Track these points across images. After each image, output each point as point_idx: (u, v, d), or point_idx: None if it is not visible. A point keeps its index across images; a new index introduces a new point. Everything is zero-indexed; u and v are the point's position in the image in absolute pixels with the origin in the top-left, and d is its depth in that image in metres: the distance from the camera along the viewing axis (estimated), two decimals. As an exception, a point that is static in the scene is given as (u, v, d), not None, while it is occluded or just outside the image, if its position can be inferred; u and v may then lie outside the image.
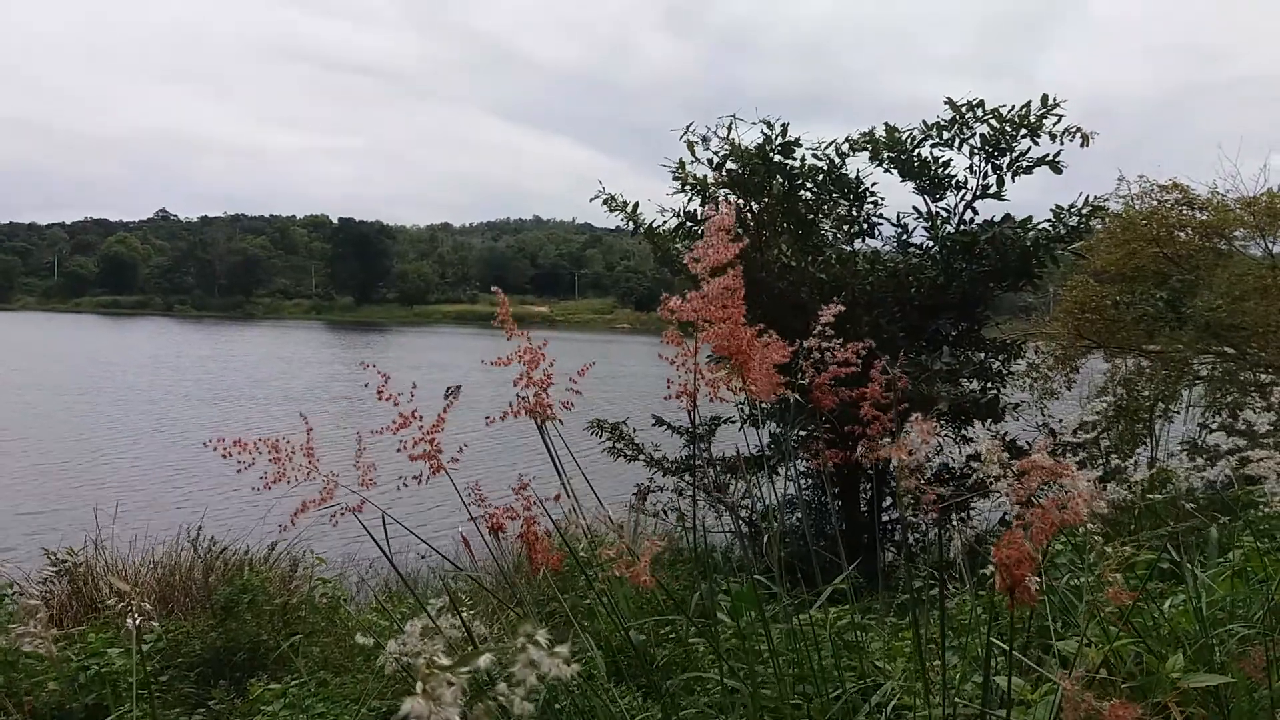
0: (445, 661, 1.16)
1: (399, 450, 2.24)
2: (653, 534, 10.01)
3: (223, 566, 7.46)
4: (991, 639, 2.06)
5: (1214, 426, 9.99)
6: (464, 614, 2.15)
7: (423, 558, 9.53)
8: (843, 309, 3.06)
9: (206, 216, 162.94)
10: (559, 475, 2.64)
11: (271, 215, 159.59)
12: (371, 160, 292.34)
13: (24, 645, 1.50)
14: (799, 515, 8.56)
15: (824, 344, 3.01)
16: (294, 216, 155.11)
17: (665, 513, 9.89)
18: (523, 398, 2.50)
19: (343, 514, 2.20)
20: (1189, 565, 2.77)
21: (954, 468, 8.84)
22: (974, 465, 2.48)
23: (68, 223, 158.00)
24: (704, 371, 2.53)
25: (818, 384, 3.05)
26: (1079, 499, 1.70)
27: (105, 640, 4.66)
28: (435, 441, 2.26)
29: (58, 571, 7.26)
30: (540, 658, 1.18)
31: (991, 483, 2.43)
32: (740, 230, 8.58)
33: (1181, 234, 10.68)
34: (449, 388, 2.51)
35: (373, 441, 2.37)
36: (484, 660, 1.19)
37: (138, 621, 2.33)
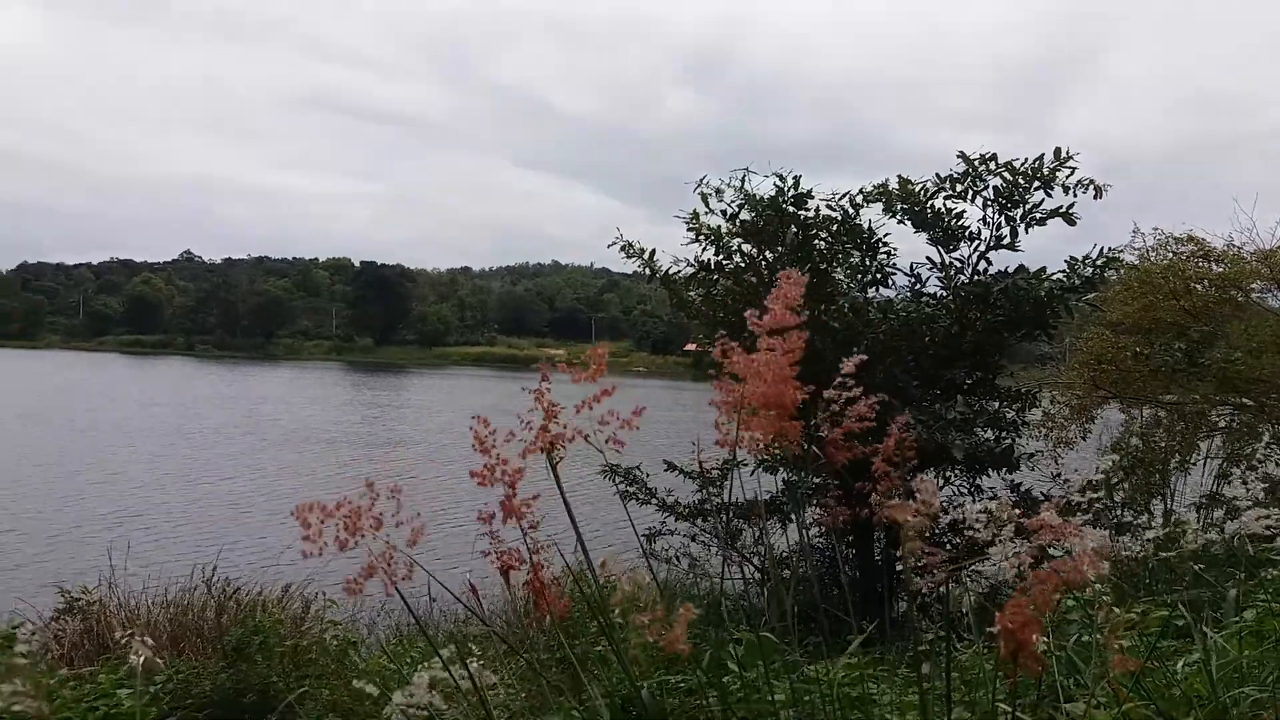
0: None
1: (485, 484, 2.28)
2: (664, 579, 9.95)
3: (235, 607, 7.46)
4: (998, 702, 2.05)
5: (1237, 477, 9.88)
6: (472, 664, 2.16)
7: (433, 600, 9.52)
8: (864, 358, 3.05)
9: (230, 258, 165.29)
10: (572, 522, 2.65)
11: (294, 258, 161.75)
12: (394, 205, 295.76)
13: (14, 706, 1.48)
14: (807, 564, 8.50)
15: (845, 394, 2.99)
16: (316, 259, 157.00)
17: (677, 558, 9.84)
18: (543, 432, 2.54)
19: (396, 583, 2.20)
20: (1200, 625, 2.74)
21: (965, 520, 8.80)
22: (979, 521, 2.48)
23: (94, 263, 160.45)
24: (749, 425, 2.56)
25: (831, 439, 3.04)
26: (1080, 560, 1.70)
27: (115, 681, 4.67)
28: (515, 485, 2.30)
29: (70, 609, 7.28)
30: None
31: (1000, 542, 2.43)
32: (754, 279, 8.69)
33: (1198, 286, 10.66)
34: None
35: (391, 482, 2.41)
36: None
37: (143, 659, 2.35)
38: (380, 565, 2.18)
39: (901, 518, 1.85)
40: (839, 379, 3.00)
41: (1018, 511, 2.29)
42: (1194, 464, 11.03)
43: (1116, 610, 2.16)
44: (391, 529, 2.31)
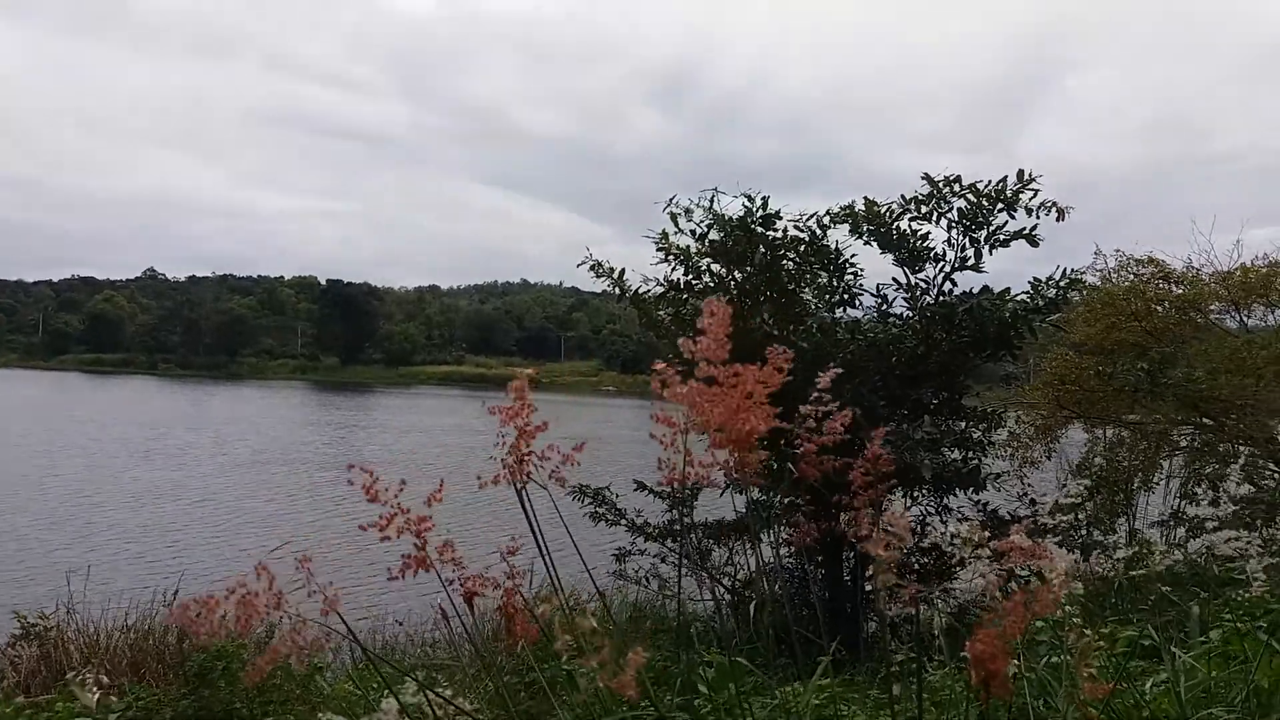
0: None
1: (384, 539, 2.20)
2: (633, 600, 9.92)
3: (197, 632, 7.31)
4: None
5: (1200, 497, 10.02)
6: (443, 691, 2.13)
7: (399, 624, 9.40)
8: (840, 371, 3.05)
9: (195, 276, 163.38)
10: (539, 544, 2.63)
11: (259, 276, 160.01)
12: (361, 224, 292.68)
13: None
14: (777, 584, 8.51)
15: (820, 409, 3.00)
16: (282, 277, 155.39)
17: (647, 580, 9.81)
18: (512, 459, 2.49)
19: (307, 654, 2.13)
20: (1169, 646, 2.77)
21: (935, 539, 8.86)
22: (955, 543, 2.50)
23: (54, 280, 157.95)
24: (695, 457, 2.52)
25: (805, 453, 3.05)
26: (1048, 590, 1.71)
27: (72, 710, 4.55)
28: (423, 534, 2.23)
29: (26, 636, 7.10)
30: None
31: (971, 562, 2.45)
32: (723, 298, 8.72)
33: (1159, 308, 10.87)
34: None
35: (363, 505, 2.35)
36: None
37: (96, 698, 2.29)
38: (285, 644, 2.12)
39: (875, 552, 1.85)
40: (815, 394, 3.01)
41: (987, 534, 2.30)
42: (1157, 483, 11.18)
43: (1087, 633, 2.18)
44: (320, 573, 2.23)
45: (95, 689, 2.35)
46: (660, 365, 2.45)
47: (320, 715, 2.20)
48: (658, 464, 2.63)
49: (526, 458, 2.54)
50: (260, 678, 1.99)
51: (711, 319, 2.40)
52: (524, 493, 2.57)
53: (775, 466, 7.08)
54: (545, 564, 2.57)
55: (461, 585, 2.50)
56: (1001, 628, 1.76)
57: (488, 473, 2.52)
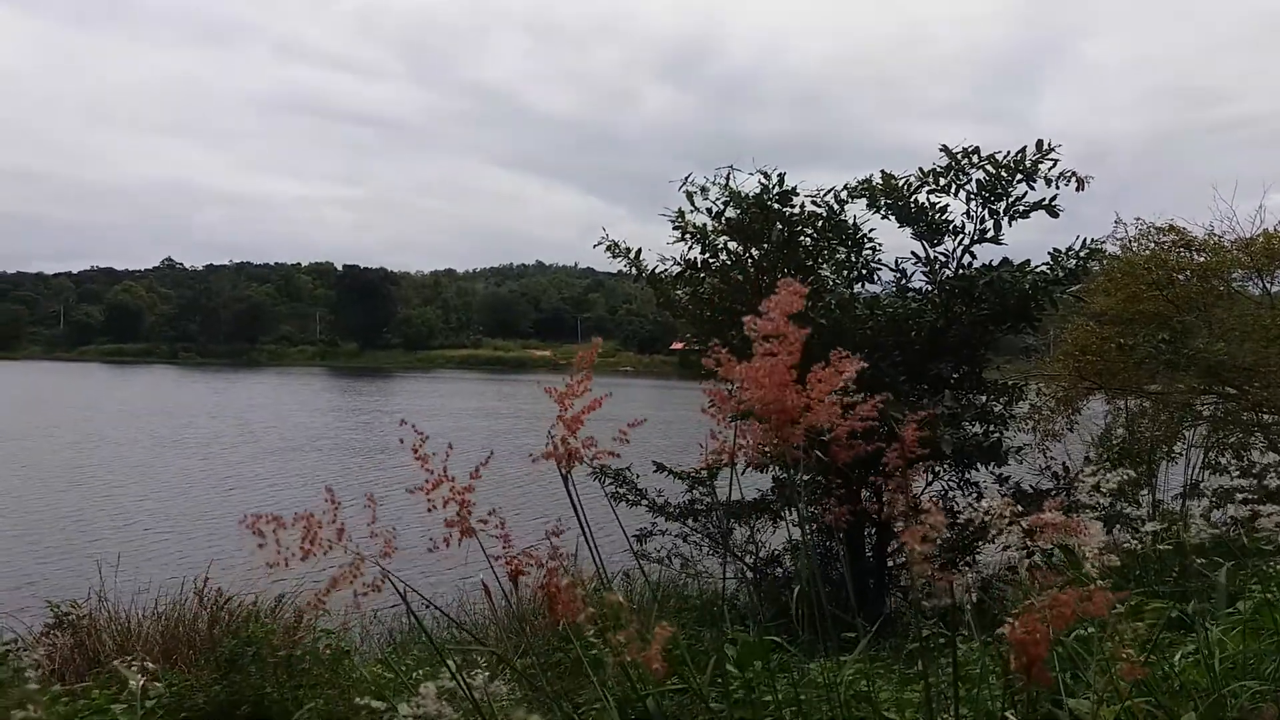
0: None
1: (430, 510, 2.21)
2: (656, 579, 9.96)
3: (228, 618, 7.41)
4: (997, 699, 2.06)
5: (1232, 472, 9.92)
6: (478, 675, 2.15)
7: (428, 606, 9.49)
8: (864, 365, 3.05)
9: (212, 265, 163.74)
10: (582, 527, 2.64)
11: (276, 263, 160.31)
12: (376, 209, 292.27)
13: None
14: (805, 561, 8.52)
15: (844, 399, 2.99)
16: (299, 264, 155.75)
17: (669, 559, 9.85)
18: (563, 443, 2.49)
19: (364, 594, 2.15)
20: (1200, 617, 2.76)
21: (958, 512, 8.84)
22: (985, 517, 2.49)
23: (74, 272, 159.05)
24: (746, 433, 2.52)
25: (835, 436, 3.04)
26: (1103, 593, 1.70)
27: (109, 696, 4.63)
28: (466, 503, 2.23)
29: (59, 624, 7.20)
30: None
31: (995, 537, 2.44)
32: (741, 277, 8.71)
33: (1180, 276, 10.74)
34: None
35: (394, 489, 2.36)
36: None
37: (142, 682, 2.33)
38: (346, 579, 2.13)
39: (912, 544, 1.85)
40: (841, 383, 2.99)
41: (1019, 509, 2.30)
42: (1180, 454, 11.08)
43: (1119, 607, 2.17)
44: (366, 538, 2.24)
45: (141, 675, 2.40)
46: (716, 345, 2.47)
47: (359, 700, 2.22)
48: (710, 436, 2.65)
49: (583, 442, 2.54)
50: (320, 604, 2.00)
51: (787, 295, 2.41)
52: (569, 476, 2.57)
53: (800, 446, 7.08)
54: (589, 545, 2.58)
55: (507, 563, 2.50)
56: (1046, 617, 1.75)
57: (515, 455, 2.53)
